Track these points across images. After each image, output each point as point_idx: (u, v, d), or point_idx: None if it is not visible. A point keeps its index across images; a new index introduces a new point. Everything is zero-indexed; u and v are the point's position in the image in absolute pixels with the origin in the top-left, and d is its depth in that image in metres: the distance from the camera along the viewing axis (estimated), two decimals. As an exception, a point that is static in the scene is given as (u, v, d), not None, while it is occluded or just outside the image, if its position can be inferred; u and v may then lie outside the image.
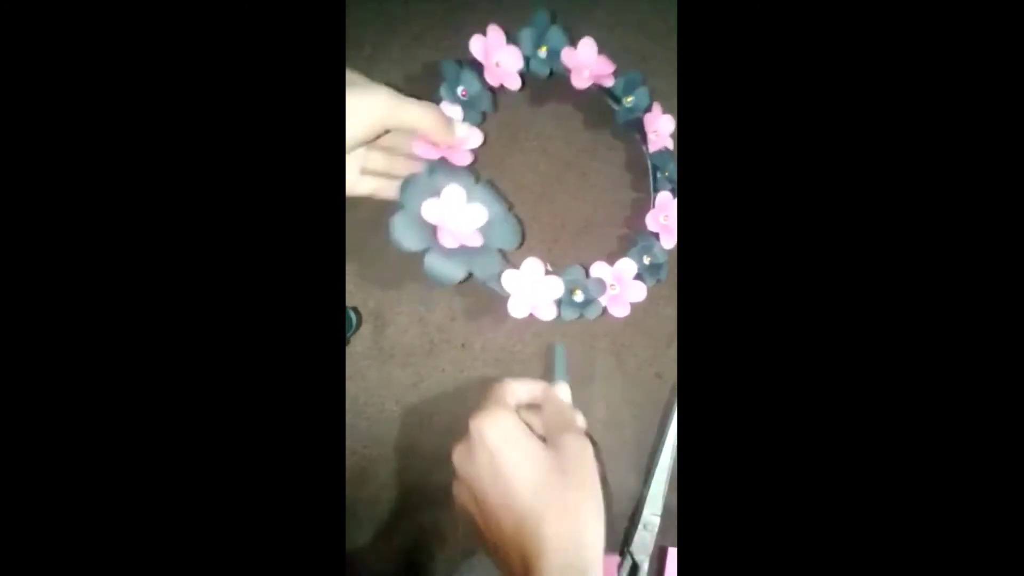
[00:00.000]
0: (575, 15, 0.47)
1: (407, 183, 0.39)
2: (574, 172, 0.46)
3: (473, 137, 0.42)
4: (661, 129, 0.48)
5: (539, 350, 0.42)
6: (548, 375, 0.42)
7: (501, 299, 0.41)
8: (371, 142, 0.38)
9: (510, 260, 0.43)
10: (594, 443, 0.32)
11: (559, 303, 0.41)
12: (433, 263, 0.39)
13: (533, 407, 0.35)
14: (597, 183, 0.46)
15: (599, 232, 0.46)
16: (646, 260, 0.44)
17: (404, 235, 0.38)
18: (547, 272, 0.41)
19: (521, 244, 0.43)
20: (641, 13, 0.49)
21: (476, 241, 0.39)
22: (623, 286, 0.43)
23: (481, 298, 0.43)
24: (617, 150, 0.48)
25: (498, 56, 0.44)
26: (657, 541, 0.40)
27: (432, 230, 0.39)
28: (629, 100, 0.46)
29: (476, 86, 0.43)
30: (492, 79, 0.44)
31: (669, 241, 0.45)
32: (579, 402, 0.41)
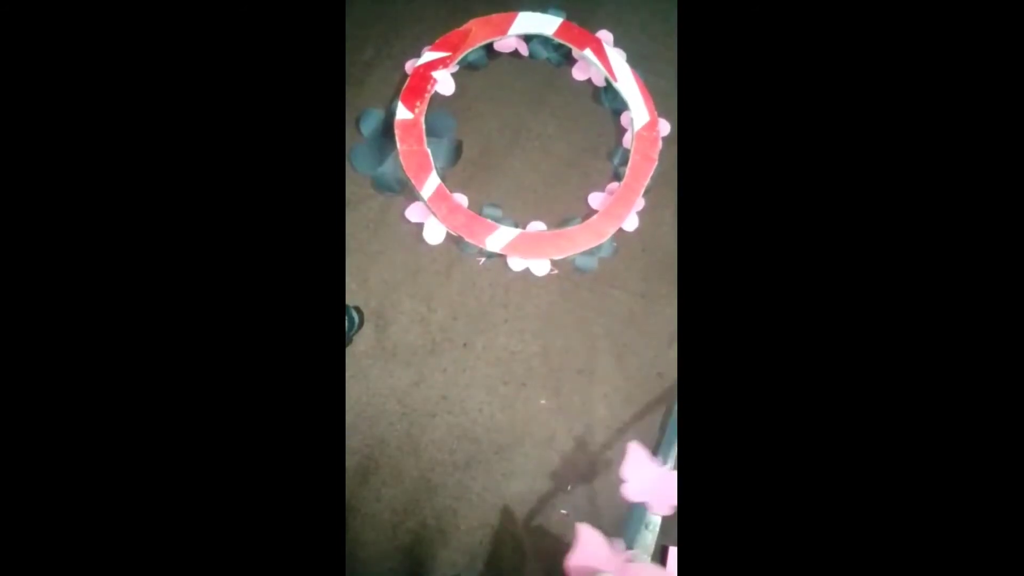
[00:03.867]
0: (576, 16, 0.47)
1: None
2: (575, 171, 0.46)
3: None
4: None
5: (539, 350, 0.42)
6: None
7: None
8: None
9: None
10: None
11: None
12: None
13: None
14: (599, 182, 0.46)
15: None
16: None
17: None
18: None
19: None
20: (641, 13, 0.49)
21: None
22: None
23: (483, 298, 0.43)
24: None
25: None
26: (658, 540, 0.40)
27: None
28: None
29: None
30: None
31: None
32: (579, 402, 0.41)
